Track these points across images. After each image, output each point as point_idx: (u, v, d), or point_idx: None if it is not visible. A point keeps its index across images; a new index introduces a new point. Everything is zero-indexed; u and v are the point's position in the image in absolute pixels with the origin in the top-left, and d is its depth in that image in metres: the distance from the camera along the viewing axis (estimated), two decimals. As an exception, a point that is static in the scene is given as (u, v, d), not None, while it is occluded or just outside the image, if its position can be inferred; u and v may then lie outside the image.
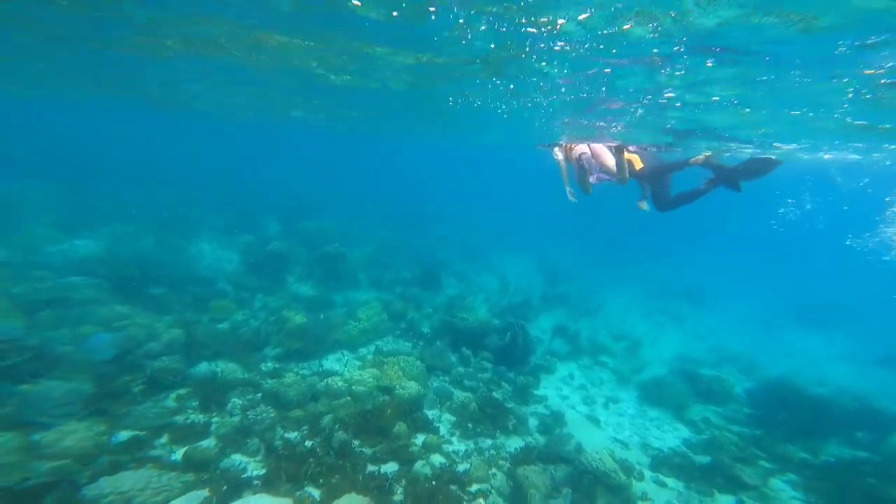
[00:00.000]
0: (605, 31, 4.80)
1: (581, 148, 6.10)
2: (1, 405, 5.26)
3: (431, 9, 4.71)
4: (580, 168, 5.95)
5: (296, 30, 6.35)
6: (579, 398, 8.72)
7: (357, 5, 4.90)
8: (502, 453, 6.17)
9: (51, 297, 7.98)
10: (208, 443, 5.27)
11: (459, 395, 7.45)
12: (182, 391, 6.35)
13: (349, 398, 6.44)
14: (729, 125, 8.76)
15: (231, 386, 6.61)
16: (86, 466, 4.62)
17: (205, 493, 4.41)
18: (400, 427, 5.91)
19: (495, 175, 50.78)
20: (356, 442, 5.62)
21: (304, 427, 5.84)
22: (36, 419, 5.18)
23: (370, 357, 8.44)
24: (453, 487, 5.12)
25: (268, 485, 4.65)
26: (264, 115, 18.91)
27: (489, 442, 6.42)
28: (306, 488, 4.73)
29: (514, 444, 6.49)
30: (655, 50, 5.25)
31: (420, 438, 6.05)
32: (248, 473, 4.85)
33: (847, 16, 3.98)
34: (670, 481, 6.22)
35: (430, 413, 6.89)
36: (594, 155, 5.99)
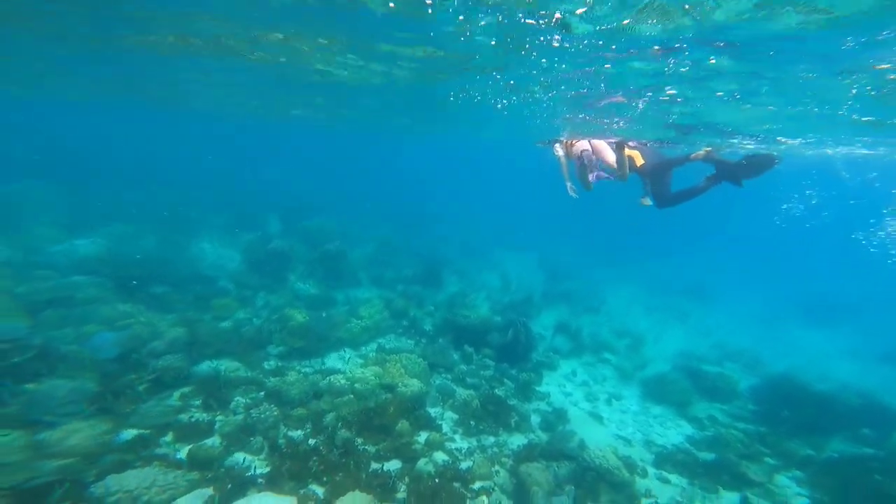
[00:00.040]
0: (606, 26, 4.74)
1: (582, 144, 6.08)
2: (6, 404, 5.28)
3: (428, 0, 4.65)
4: (581, 164, 5.93)
5: (298, 25, 6.30)
6: (582, 395, 8.70)
7: None
8: (505, 450, 6.17)
9: (54, 296, 8.02)
10: (212, 441, 5.29)
11: (462, 392, 7.46)
12: (186, 389, 6.38)
13: (352, 396, 6.44)
14: (732, 120, 8.68)
15: (234, 384, 6.64)
16: (92, 465, 4.64)
17: (209, 491, 4.42)
18: (403, 425, 5.91)
19: (496, 174, 50.64)
20: (359, 440, 5.63)
21: (308, 425, 5.85)
22: (41, 418, 5.21)
23: (372, 355, 8.45)
24: (456, 485, 5.12)
25: (272, 483, 4.66)
26: (265, 113, 18.90)
27: (492, 439, 6.43)
28: (310, 486, 4.75)
29: (517, 441, 6.49)
30: (656, 47, 5.20)
31: (423, 436, 6.06)
32: (253, 472, 4.87)
33: (862, 8, 3.88)
34: (674, 478, 6.21)
35: (433, 411, 6.89)
36: (595, 151, 5.98)
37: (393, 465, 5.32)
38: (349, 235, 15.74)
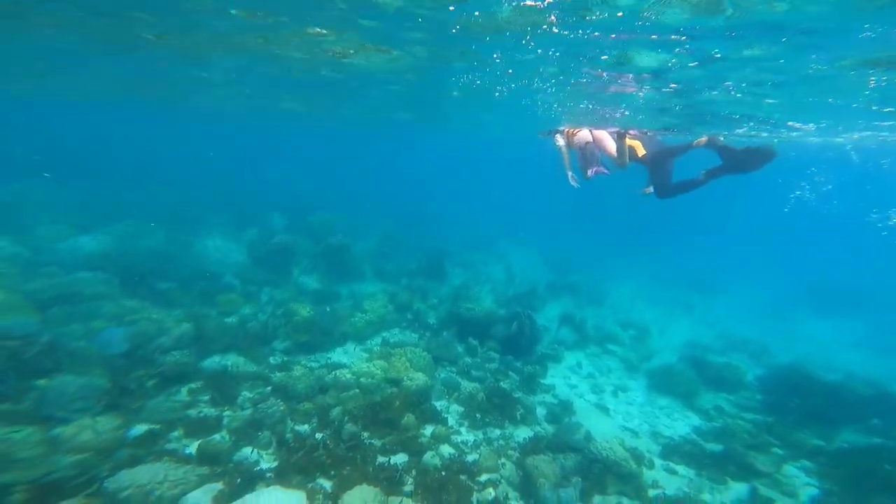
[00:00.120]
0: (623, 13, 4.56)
1: (583, 134, 6.05)
2: (20, 400, 5.36)
3: None
4: (582, 153, 5.87)
5: (311, 19, 6.14)
6: (587, 387, 8.69)
7: None
8: (511, 443, 6.18)
9: (61, 292, 8.09)
10: (221, 436, 5.34)
11: (467, 385, 7.47)
12: (194, 385, 6.44)
13: (357, 390, 6.47)
14: (743, 109, 8.45)
15: (241, 379, 6.69)
16: (105, 460, 4.71)
17: (219, 485, 4.47)
18: (408, 418, 5.93)
19: (499, 166, 50.20)
20: (365, 434, 5.66)
21: (314, 419, 5.89)
22: (54, 414, 5.28)
23: (377, 349, 8.46)
24: (463, 477, 5.14)
25: (280, 477, 4.71)
26: (268, 109, 18.76)
27: (498, 432, 6.44)
28: (318, 480, 4.79)
29: (523, 433, 6.50)
30: (674, 36, 5.03)
31: (429, 429, 6.08)
32: (261, 466, 4.92)
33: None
34: (681, 469, 6.20)
35: (438, 404, 6.91)
36: (596, 141, 5.95)
37: (399, 458, 5.35)
38: (352, 230, 15.70)
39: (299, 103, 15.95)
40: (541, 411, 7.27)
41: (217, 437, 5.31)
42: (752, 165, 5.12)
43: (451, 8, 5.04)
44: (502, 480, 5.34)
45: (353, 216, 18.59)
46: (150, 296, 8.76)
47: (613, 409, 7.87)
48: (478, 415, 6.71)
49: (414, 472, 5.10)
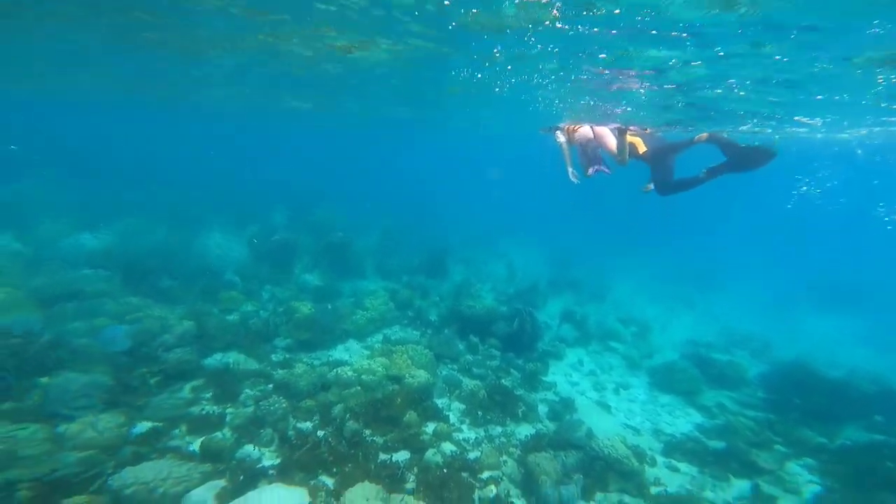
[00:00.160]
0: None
1: (584, 130, 6.03)
2: (24, 398, 5.39)
3: None
4: (584, 150, 5.86)
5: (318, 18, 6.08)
6: (589, 384, 8.69)
7: None
8: (513, 440, 6.19)
9: (64, 290, 8.12)
10: (223, 433, 5.37)
11: (468, 382, 7.47)
12: (196, 382, 6.46)
13: (359, 388, 6.48)
14: (747, 105, 8.36)
15: (243, 377, 6.71)
16: (110, 457, 4.74)
17: (222, 482, 4.50)
18: (410, 416, 5.94)
19: (500, 163, 50.02)
20: (367, 431, 5.67)
21: (316, 417, 5.91)
22: (59, 411, 5.31)
23: (378, 346, 8.47)
24: (464, 475, 5.16)
25: (282, 474, 4.72)
26: (270, 106, 18.68)
27: (499, 429, 6.45)
28: (320, 477, 4.81)
29: (525, 431, 6.51)
30: (679, 33, 4.96)
31: (430, 427, 6.09)
32: (263, 463, 4.94)
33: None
34: (683, 466, 6.20)
35: (440, 401, 6.92)
36: (597, 137, 5.95)
37: (401, 455, 5.37)
38: (353, 227, 15.69)
39: (301, 100, 15.88)
40: (542, 409, 7.27)
41: (220, 434, 5.33)
42: (754, 163, 5.12)
43: (447, 2, 4.96)
44: (504, 478, 5.35)
45: (355, 213, 18.59)
46: (152, 293, 8.78)
47: (615, 407, 7.87)
48: (479, 412, 6.72)
49: (416, 470, 5.11)
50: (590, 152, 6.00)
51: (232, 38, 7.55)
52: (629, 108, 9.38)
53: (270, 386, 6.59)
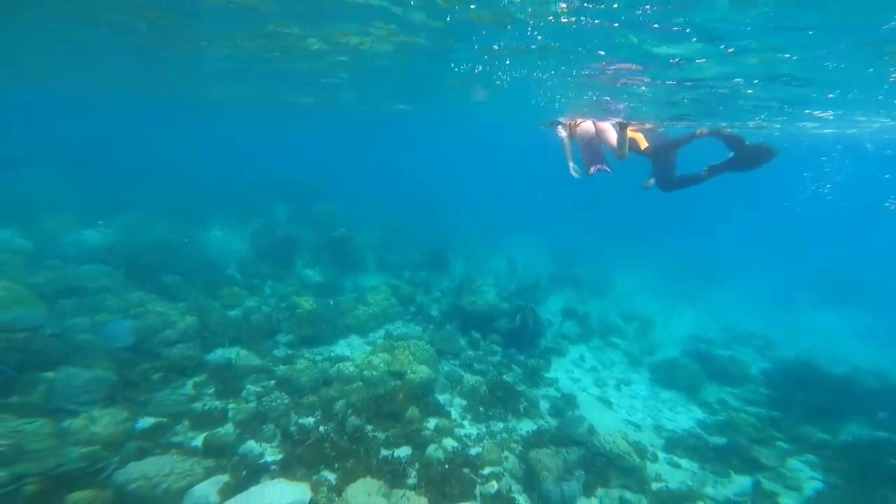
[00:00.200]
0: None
1: (586, 125, 5.97)
2: (29, 393, 5.43)
3: None
4: (587, 146, 5.82)
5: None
6: (591, 380, 8.69)
7: None
8: (514, 436, 6.20)
9: (67, 285, 8.15)
10: (226, 429, 5.39)
11: (470, 378, 7.47)
12: (199, 378, 6.49)
13: (361, 383, 6.49)
14: (755, 100, 8.20)
15: (245, 372, 6.73)
16: (114, 452, 4.77)
17: (225, 477, 4.52)
18: (412, 411, 5.95)
19: (501, 159, 49.69)
20: (369, 426, 5.69)
21: (318, 412, 5.93)
22: (63, 406, 5.35)
23: (380, 342, 8.48)
24: (466, 471, 5.17)
25: (285, 469, 4.75)
26: (270, 101, 18.54)
27: (501, 425, 6.46)
28: (322, 472, 4.83)
29: (526, 427, 6.52)
30: (688, 29, 4.84)
31: (432, 422, 6.10)
32: (266, 459, 4.97)
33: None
34: (684, 462, 6.21)
35: (442, 397, 6.93)
36: (598, 132, 5.90)
37: (403, 451, 5.38)
38: (355, 222, 15.64)
39: (303, 95, 15.74)
40: (544, 405, 7.28)
41: (222, 429, 5.36)
42: (756, 162, 5.10)
43: None
44: (505, 474, 5.36)
45: (357, 208, 18.53)
46: (155, 288, 8.80)
47: (617, 403, 7.87)
48: (481, 408, 6.73)
49: (417, 465, 5.12)
50: (593, 148, 5.95)
51: (231, 33, 7.44)
52: (633, 104, 9.24)
53: (272, 381, 6.61)
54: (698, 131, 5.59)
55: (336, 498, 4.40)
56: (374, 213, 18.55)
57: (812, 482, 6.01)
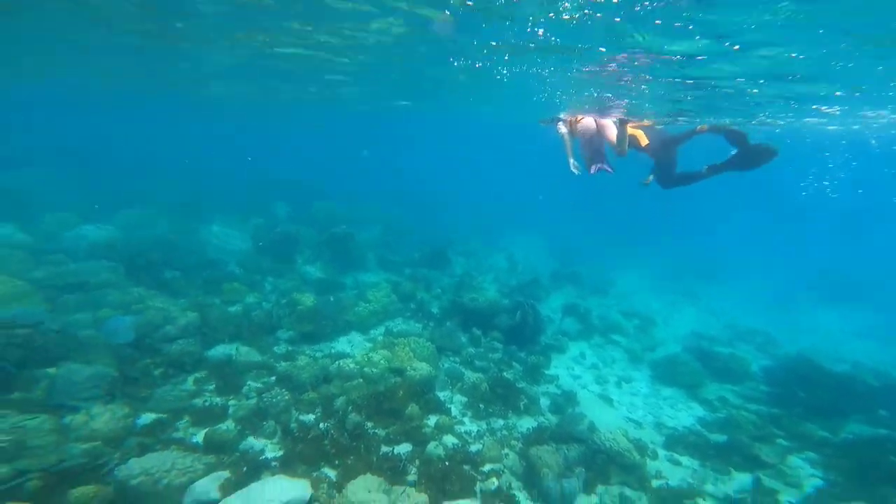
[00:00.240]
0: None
1: (587, 122, 5.95)
2: (31, 389, 5.44)
3: None
4: (588, 144, 5.80)
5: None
6: (591, 378, 8.68)
7: None
8: (514, 433, 6.20)
9: (69, 281, 8.14)
10: (227, 425, 5.40)
11: (470, 375, 7.48)
12: (199, 374, 6.50)
13: (361, 380, 6.49)
14: (761, 97, 8.13)
15: (246, 369, 6.73)
16: (115, 448, 4.79)
17: (226, 474, 4.53)
18: (412, 408, 5.95)
19: (502, 156, 49.52)
20: (369, 423, 5.69)
21: (318, 409, 5.93)
22: (65, 402, 5.36)
23: (381, 338, 8.48)
24: (466, 467, 5.17)
25: (285, 466, 4.76)
26: (270, 98, 18.45)
27: (501, 422, 6.46)
28: (322, 469, 4.84)
29: (526, 424, 6.52)
30: (692, 27, 4.79)
31: (432, 419, 6.10)
32: (266, 455, 4.98)
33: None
34: (685, 460, 6.21)
35: (442, 394, 6.94)
36: (599, 128, 5.87)
37: (403, 448, 5.39)
38: (356, 219, 15.62)
39: (304, 92, 15.66)
40: (544, 402, 7.28)
41: (223, 426, 5.37)
42: (756, 161, 5.08)
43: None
44: (505, 470, 5.37)
45: (357, 207, 18.49)
46: (156, 284, 8.80)
47: (617, 400, 7.87)
48: (481, 405, 6.73)
49: (417, 462, 5.13)
50: (593, 145, 5.91)
51: (232, 32, 7.37)
52: (636, 100, 9.17)
53: (273, 378, 6.62)
54: (698, 127, 5.58)
55: (336, 494, 4.41)
56: (374, 212, 18.51)
57: (812, 480, 6.01)
